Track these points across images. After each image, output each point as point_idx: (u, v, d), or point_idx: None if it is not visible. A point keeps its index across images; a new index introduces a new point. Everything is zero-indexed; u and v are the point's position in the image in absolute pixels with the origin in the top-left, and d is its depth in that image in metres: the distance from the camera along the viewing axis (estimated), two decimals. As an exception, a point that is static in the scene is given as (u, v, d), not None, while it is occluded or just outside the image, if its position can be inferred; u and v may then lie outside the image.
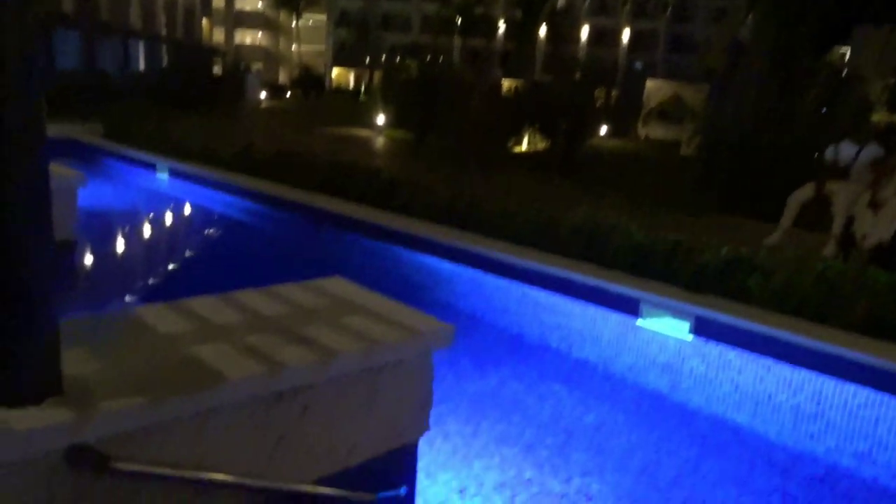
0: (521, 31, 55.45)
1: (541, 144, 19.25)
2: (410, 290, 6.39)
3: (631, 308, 5.33)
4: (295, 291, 3.14)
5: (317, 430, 2.52)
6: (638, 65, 67.95)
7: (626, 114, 28.81)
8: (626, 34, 70.28)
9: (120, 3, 40.72)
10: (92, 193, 7.59)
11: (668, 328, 5.05)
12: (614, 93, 31.41)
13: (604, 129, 23.80)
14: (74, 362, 2.17)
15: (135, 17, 42.72)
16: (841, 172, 8.67)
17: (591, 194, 11.85)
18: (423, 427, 2.93)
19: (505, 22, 64.47)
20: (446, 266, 6.80)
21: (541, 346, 5.37)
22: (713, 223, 9.80)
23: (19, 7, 1.88)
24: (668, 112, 30.22)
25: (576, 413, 4.31)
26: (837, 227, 8.09)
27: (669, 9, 70.42)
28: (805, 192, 8.71)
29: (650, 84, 34.85)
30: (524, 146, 19.78)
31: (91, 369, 2.19)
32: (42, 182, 2.00)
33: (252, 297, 2.99)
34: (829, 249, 8.00)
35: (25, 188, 1.92)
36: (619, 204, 10.86)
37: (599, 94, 22.60)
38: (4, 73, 1.82)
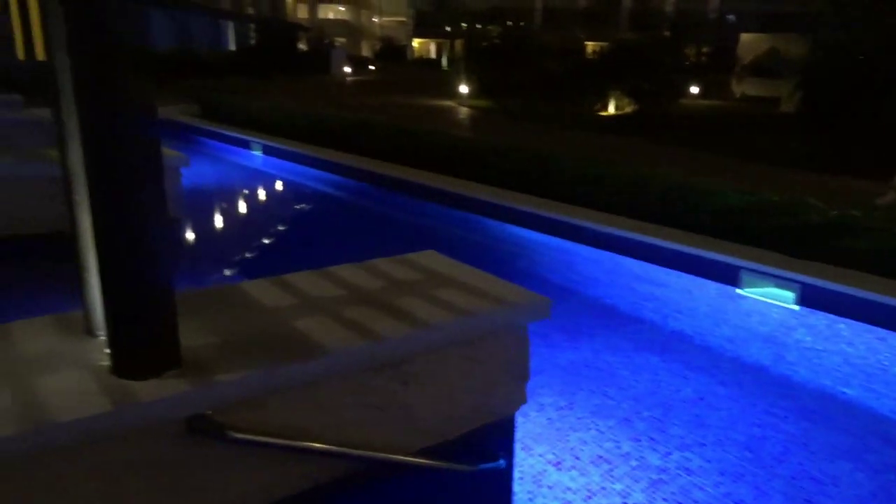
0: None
1: (628, 107, 18.68)
2: (499, 261, 6.38)
3: (730, 277, 5.13)
4: (390, 265, 3.19)
5: (416, 401, 2.56)
6: (730, 17, 64.37)
7: (718, 71, 27.45)
8: (717, -14, 66.74)
9: (209, -16, 42.04)
10: (191, 171, 7.94)
11: (771, 297, 4.83)
12: (705, 49, 29.96)
13: (695, 89, 22.79)
14: (189, 335, 2.29)
15: (224, 0, 44.05)
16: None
17: (682, 156, 11.41)
18: (521, 400, 2.93)
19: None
20: (534, 236, 6.75)
21: (635, 318, 5.26)
22: (817, 182, 9.26)
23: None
24: (764, 67, 28.55)
25: (673, 386, 4.21)
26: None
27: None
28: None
29: (744, 37, 33.04)
30: (611, 109, 19.25)
31: (204, 341, 2.30)
32: (157, 160, 2.10)
33: (349, 272, 3.06)
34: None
35: (143, 166, 2.02)
36: (713, 165, 10.42)
37: (689, 51, 21.67)
38: (122, 57, 1.91)
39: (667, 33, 21.42)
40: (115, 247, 2.03)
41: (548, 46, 25.00)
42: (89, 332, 2.39)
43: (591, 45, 41.98)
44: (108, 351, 2.17)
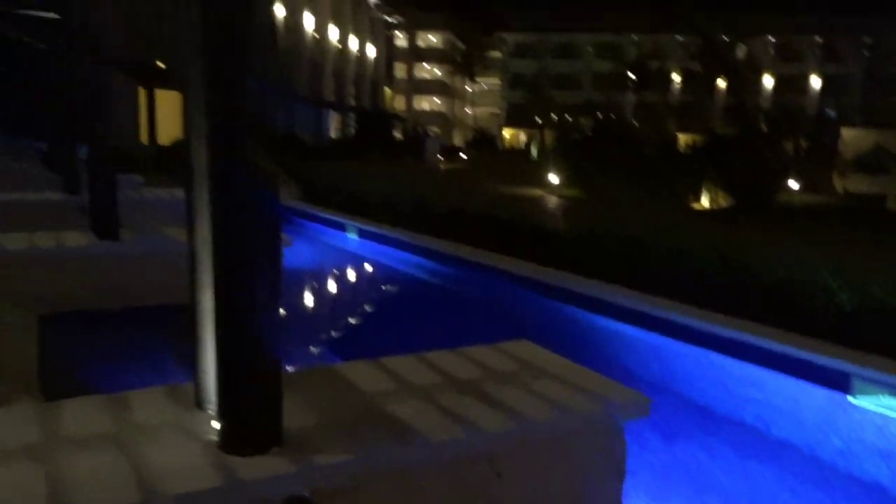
0: (700, 82, 53.77)
1: (723, 201, 18.31)
2: (590, 353, 6.25)
3: (840, 383, 4.81)
4: (484, 353, 3.20)
5: (509, 494, 2.50)
6: (831, 112, 62.98)
7: (820, 166, 26.62)
8: (815, 80, 65.76)
9: (316, 78, 45.02)
10: (290, 251, 8.30)
11: (888, 408, 4.49)
12: (805, 143, 29.23)
13: (795, 183, 22.13)
14: (290, 413, 2.35)
15: (328, 91, 46.95)
16: None
17: (784, 251, 11.00)
18: (615, 500, 2.81)
19: (681, 75, 62.82)
20: (626, 329, 6.59)
21: (733, 421, 4.98)
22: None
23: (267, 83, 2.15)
24: (870, 162, 27.50)
25: (778, 498, 3.92)
26: None
27: (864, 52, 65.04)
28: None
29: (847, 133, 32.03)
30: (705, 202, 18.93)
31: (304, 422, 2.35)
32: (278, 242, 2.23)
33: (444, 358, 3.08)
34: None
35: (266, 246, 2.15)
36: (818, 261, 9.98)
37: (789, 145, 21.23)
38: (257, 143, 2.08)
39: (764, 127, 21.09)
40: (232, 323, 2.15)
41: (640, 138, 25.13)
42: (199, 404, 2.50)
43: (684, 138, 41.91)
44: (215, 425, 2.26)
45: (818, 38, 65.56)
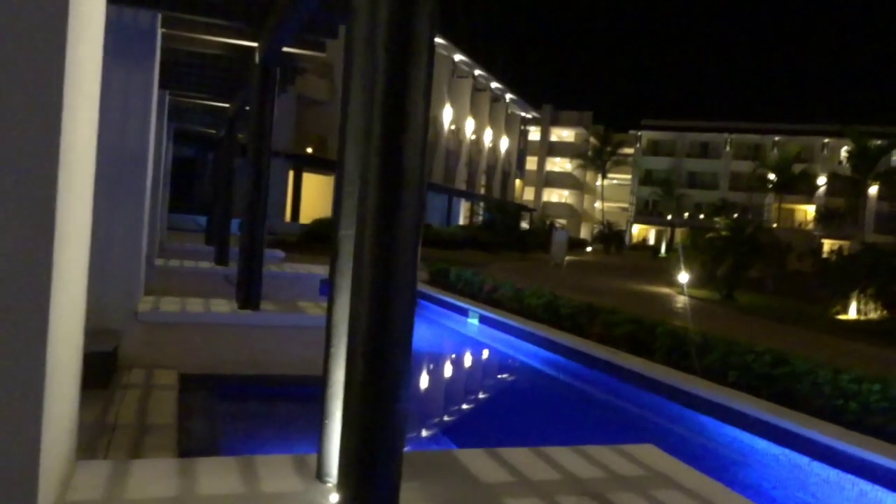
0: (850, 187, 50.77)
1: (873, 313, 16.87)
2: (719, 465, 5.83)
3: None
4: (607, 454, 3.08)
5: None
6: None
7: None
8: None
9: (449, 167, 46.83)
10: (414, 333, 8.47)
11: None
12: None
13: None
14: (406, 496, 2.35)
15: (460, 180, 48.57)
16: None
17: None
18: None
19: (828, 178, 59.68)
20: (761, 444, 6.11)
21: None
22: None
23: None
24: None
25: None
26: None
27: None
28: None
29: None
30: (852, 313, 17.52)
31: (421, 506, 2.35)
32: (411, 325, 2.31)
33: (565, 455, 3.00)
34: None
35: (403, 329, 2.24)
36: None
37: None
38: (405, 233, 2.21)
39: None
40: (362, 400, 2.22)
41: (780, 241, 23.91)
42: (320, 476, 2.56)
43: (829, 244, 39.38)
44: (334, 499, 2.31)
45: None
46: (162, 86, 7.91)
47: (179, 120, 14.61)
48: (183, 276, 9.12)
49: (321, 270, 10.17)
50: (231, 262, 9.37)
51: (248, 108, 7.34)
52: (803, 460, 5.71)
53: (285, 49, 6.60)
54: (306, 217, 29.82)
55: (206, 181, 26.29)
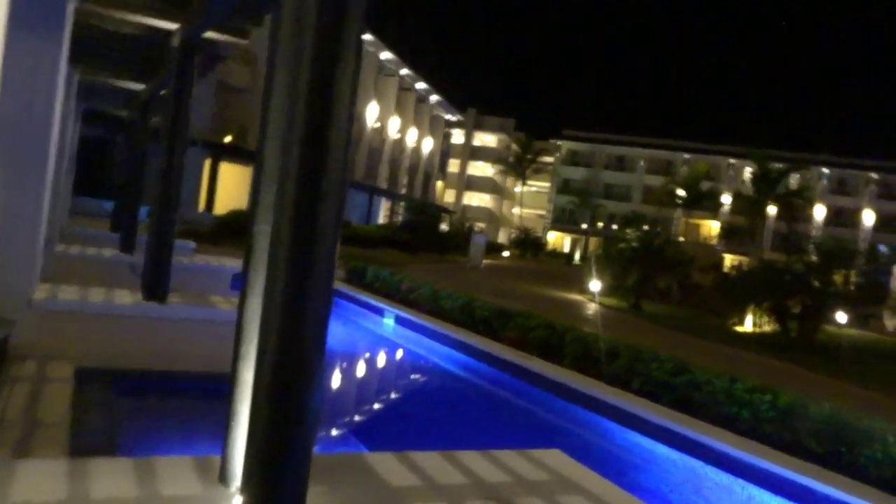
0: (751, 206, 53.64)
1: (767, 326, 17.90)
2: (620, 470, 6.02)
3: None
4: (514, 459, 3.12)
5: None
6: (883, 248, 61.83)
7: (870, 301, 25.90)
8: (868, 215, 65.04)
9: (372, 163, 46.53)
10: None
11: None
12: (855, 277, 28.57)
13: (843, 317, 21.51)
14: (312, 500, 2.31)
15: (382, 178, 48.35)
16: None
17: (829, 386, 10.59)
18: None
19: (733, 197, 62.99)
20: (660, 449, 6.36)
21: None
22: None
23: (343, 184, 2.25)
24: (922, 304, 26.67)
25: None
26: None
27: (924, 192, 64.43)
28: None
29: (901, 271, 31.35)
30: (748, 325, 18.52)
31: (327, 511, 2.31)
32: (326, 326, 2.27)
33: (473, 459, 3.02)
34: None
35: (318, 330, 2.19)
36: (868, 401, 9.57)
37: (838, 277, 20.79)
38: (326, 230, 2.16)
39: (814, 258, 20.77)
40: (271, 401, 2.16)
41: (686, 254, 24.99)
42: (223, 480, 2.48)
43: (730, 258, 41.48)
44: (237, 503, 2.23)
45: (874, 175, 65.34)
46: (72, 62, 7.48)
47: (90, 99, 13.87)
48: (85, 264, 8.66)
49: (234, 264, 9.89)
50: (139, 251, 8.97)
51: (164, 91, 7.05)
52: (698, 465, 5.98)
53: (207, 34, 6.38)
54: (221, 208, 28.92)
55: (115, 165, 25.11)
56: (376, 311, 11.88)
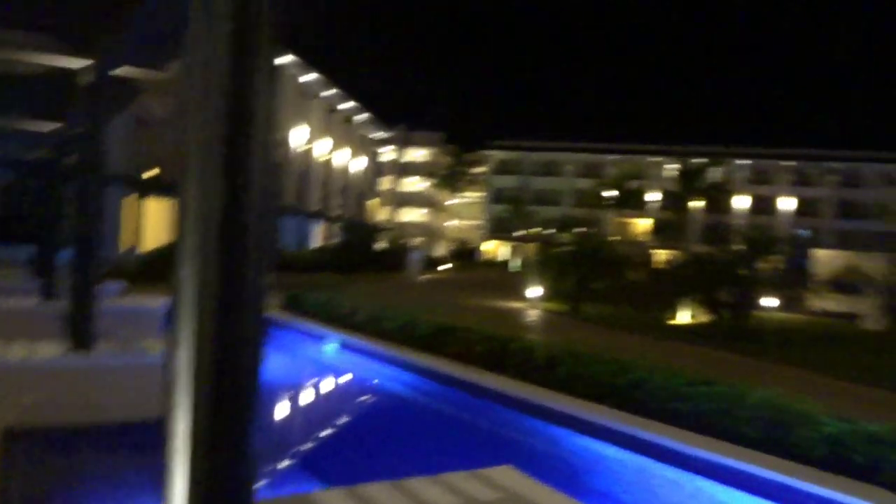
0: (677, 202, 55.50)
1: (702, 316, 18.48)
2: (570, 475, 6.08)
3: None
4: (466, 481, 3.10)
5: None
6: (804, 233, 64.97)
7: (794, 285, 27.13)
8: (788, 202, 68.16)
9: (301, 187, 45.98)
10: (269, 364, 8.15)
11: None
12: (779, 263, 29.87)
13: (770, 301, 22.47)
14: (261, 548, 2.23)
15: (313, 202, 47.83)
16: None
17: (764, 371, 11.00)
18: None
19: (661, 194, 65.13)
20: (610, 451, 6.46)
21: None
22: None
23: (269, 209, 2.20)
24: (842, 283, 28.12)
25: None
26: None
27: (835, 176, 67.99)
28: None
29: (820, 254, 32.94)
30: (685, 317, 19.08)
31: (276, 558, 2.24)
32: (259, 368, 2.21)
33: (424, 486, 2.99)
34: None
35: (250, 373, 2.12)
36: (801, 382, 9.98)
37: (764, 264, 21.69)
38: (251, 266, 2.10)
39: (742, 246, 21.62)
40: (207, 454, 2.08)
41: (619, 254, 25.60)
42: (165, 534, 2.37)
43: (663, 254, 42.80)
44: (182, 560, 2.14)
45: (792, 163, 68.58)
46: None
47: (-2, 144, 13.27)
48: (3, 316, 8.23)
49: (166, 302, 9.56)
50: (62, 296, 8.59)
51: (77, 130, 6.80)
52: (647, 462, 6.09)
53: (121, 68, 6.19)
54: (151, 244, 28.05)
55: (30, 209, 24.03)
56: (317, 338, 11.70)
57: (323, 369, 10.87)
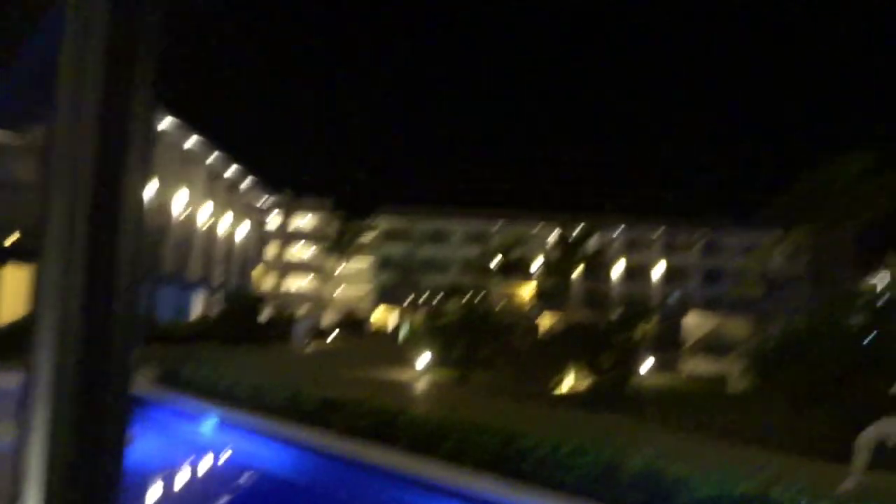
0: (559, 268, 57.81)
1: (585, 382, 19.02)
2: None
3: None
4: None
5: None
6: (674, 298, 69.14)
7: (668, 348, 28.64)
8: (659, 268, 72.53)
9: (182, 255, 44.14)
10: (138, 448, 7.58)
11: None
12: (653, 328, 31.52)
13: (648, 364, 23.55)
14: None
15: (194, 270, 45.94)
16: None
17: (642, 435, 11.39)
18: None
19: (543, 262, 67.64)
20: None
21: None
22: (780, 461, 9.21)
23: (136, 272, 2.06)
24: (711, 345, 29.95)
25: None
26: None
27: (700, 244, 73.29)
28: (879, 429, 8.20)
29: (689, 318, 35.02)
30: (569, 383, 19.56)
31: None
32: (122, 450, 2.02)
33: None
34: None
35: (114, 457, 1.94)
36: (676, 443, 10.39)
37: (640, 329, 22.83)
38: (120, 334, 1.95)
39: (617, 313, 22.68)
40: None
41: (506, 321, 26.12)
42: None
43: (548, 320, 44.12)
44: None
45: (660, 232, 73.25)
46: None
47: None
48: None
49: (21, 382, 8.75)
50: None
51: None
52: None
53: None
54: (9, 316, 25.78)
55: None
56: (194, 415, 11.04)
57: (199, 449, 10.22)
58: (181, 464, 9.56)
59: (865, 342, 11.98)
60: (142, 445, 7.72)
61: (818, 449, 9.82)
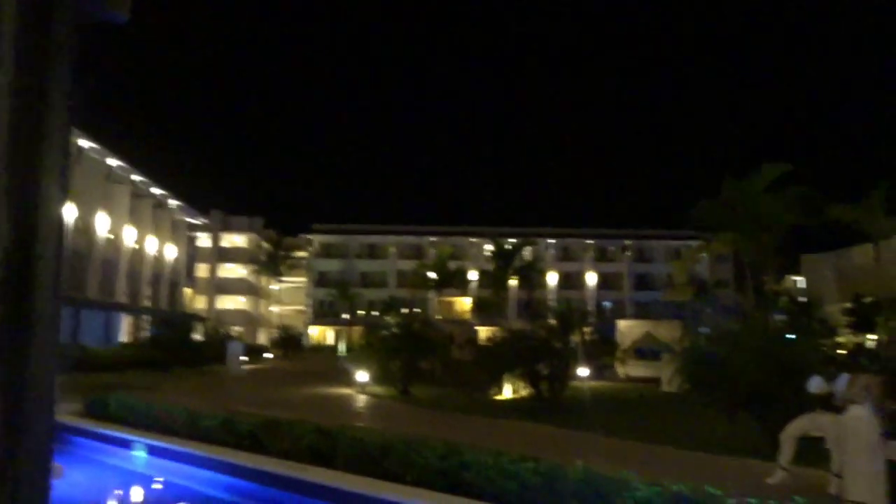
0: (494, 281, 58.41)
1: (524, 391, 19.20)
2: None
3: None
4: None
5: None
6: (607, 305, 70.79)
7: (602, 354, 29.27)
8: (591, 277, 74.11)
9: (107, 280, 42.45)
10: (66, 482, 7.22)
11: None
12: (588, 334, 32.21)
13: (584, 371, 24.00)
14: None
15: (120, 293, 44.24)
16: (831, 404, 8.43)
17: (581, 441, 11.59)
18: None
19: (479, 274, 68.21)
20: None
21: None
22: (711, 463, 9.53)
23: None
24: (643, 350, 30.78)
25: None
26: (836, 464, 7.82)
27: (630, 252, 75.33)
28: (799, 425, 8.56)
29: (622, 324, 35.92)
30: (508, 393, 19.72)
31: None
32: (48, 475, 1.93)
33: None
34: (834, 487, 7.69)
35: (41, 481, 1.85)
36: (614, 448, 10.61)
37: (575, 336, 23.28)
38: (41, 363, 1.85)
39: (553, 321, 23.06)
40: None
41: (444, 334, 26.19)
42: None
43: (484, 331, 44.47)
44: None
45: (591, 242, 74.97)
46: None
47: None
48: None
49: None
50: None
51: None
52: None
53: None
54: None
55: None
56: (124, 445, 10.57)
57: (132, 479, 9.80)
58: (108, 495, 9.15)
59: (786, 342, 12.54)
60: (66, 480, 7.34)
61: (752, 449, 10.20)
